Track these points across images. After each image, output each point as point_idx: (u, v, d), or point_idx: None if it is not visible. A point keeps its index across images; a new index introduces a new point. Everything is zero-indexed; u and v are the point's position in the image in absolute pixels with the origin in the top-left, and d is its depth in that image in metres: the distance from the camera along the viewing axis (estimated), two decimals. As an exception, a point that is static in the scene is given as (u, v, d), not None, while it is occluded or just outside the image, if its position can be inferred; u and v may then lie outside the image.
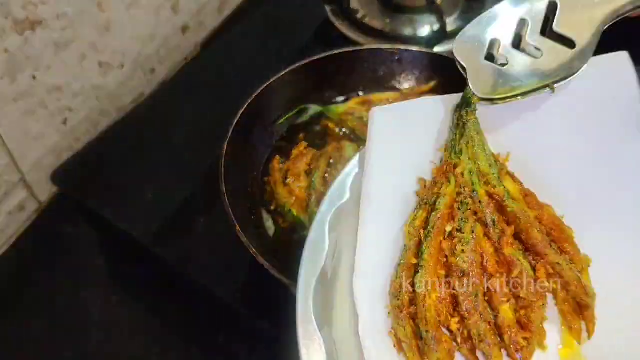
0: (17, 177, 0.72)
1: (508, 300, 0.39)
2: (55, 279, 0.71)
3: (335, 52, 0.75)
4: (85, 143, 0.78)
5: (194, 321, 0.67)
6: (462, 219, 0.41)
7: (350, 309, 0.39)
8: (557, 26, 0.41)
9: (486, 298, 0.40)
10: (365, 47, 0.77)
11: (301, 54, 0.75)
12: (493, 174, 0.42)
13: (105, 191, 0.72)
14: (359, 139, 0.70)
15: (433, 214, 0.41)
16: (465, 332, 0.39)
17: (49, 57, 0.69)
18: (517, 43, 0.42)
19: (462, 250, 0.40)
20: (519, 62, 0.42)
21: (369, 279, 0.40)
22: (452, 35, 0.92)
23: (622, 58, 0.43)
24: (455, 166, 0.42)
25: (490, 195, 0.42)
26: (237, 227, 0.57)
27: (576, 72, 0.41)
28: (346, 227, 0.42)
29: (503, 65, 0.42)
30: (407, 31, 0.90)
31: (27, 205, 0.75)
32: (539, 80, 0.41)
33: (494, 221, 0.41)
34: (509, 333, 0.38)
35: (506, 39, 0.42)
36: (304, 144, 0.71)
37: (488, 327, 0.38)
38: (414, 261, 0.40)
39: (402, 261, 0.41)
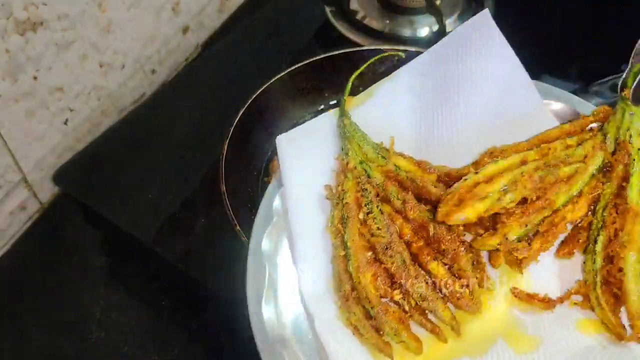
0: (19, 177, 0.72)
1: (434, 259, 0.43)
2: (57, 279, 0.71)
3: (335, 52, 0.75)
4: (87, 143, 0.78)
5: (195, 320, 0.68)
6: (368, 203, 0.46)
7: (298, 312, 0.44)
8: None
9: (415, 264, 0.44)
10: (365, 47, 0.77)
11: (301, 55, 0.75)
12: (379, 156, 0.48)
13: (106, 191, 0.73)
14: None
15: (343, 208, 0.46)
16: (411, 301, 0.42)
17: (50, 57, 0.69)
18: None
19: (378, 227, 0.44)
20: None
21: (310, 284, 0.44)
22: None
23: (484, 16, 0.51)
24: (347, 163, 0.48)
25: (384, 175, 0.47)
26: (237, 227, 0.57)
27: None
28: (279, 245, 0.47)
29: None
30: (407, 32, 0.90)
31: (29, 205, 0.75)
32: None
33: (394, 194, 0.46)
34: (445, 285, 0.42)
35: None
36: (304, 144, 0.71)
37: (425, 285, 0.42)
38: (343, 253, 0.44)
39: (333, 257, 0.45)
